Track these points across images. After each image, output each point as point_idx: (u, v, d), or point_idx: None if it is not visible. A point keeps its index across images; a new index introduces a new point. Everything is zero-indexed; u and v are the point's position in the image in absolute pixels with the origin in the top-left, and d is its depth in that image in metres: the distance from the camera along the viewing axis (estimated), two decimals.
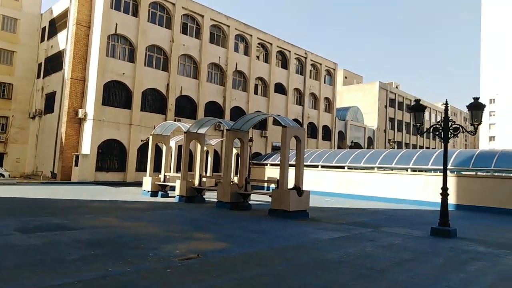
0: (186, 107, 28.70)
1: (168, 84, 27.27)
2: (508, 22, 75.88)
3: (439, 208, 18.48)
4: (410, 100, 59.21)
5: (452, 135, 10.42)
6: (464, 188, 18.61)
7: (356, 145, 46.20)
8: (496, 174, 18.42)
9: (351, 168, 23.29)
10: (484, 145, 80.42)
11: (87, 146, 23.80)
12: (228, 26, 31.40)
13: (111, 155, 24.98)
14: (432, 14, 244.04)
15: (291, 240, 8.40)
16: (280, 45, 36.14)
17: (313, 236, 9.04)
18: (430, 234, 10.07)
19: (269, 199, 12.86)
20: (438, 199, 19.01)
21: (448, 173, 19.70)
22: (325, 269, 5.94)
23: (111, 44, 24.79)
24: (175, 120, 25.30)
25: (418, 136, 61.58)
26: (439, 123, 10.55)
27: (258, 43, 34.29)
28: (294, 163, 13.15)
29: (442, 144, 10.53)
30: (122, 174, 24.98)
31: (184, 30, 28.70)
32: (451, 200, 18.99)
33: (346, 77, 56.96)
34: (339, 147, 43.50)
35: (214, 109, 30.03)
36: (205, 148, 18.94)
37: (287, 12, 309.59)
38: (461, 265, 6.68)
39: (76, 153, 23.93)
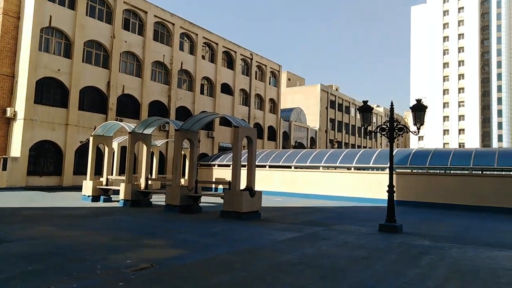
0: (128, 107, 27.34)
1: (109, 82, 25.78)
2: (434, 28, 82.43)
3: (381, 204, 19.51)
4: (349, 102, 62.06)
5: (397, 134, 10.94)
6: (403, 185, 19.72)
7: (299, 145, 47.36)
8: (430, 171, 19.79)
9: (298, 168, 23.73)
10: (414, 144, 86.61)
11: (17, 148, 21.70)
12: (173, 24, 30.49)
13: (45, 158, 23.01)
14: (371, 21, 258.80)
15: (247, 243, 8.22)
16: (226, 45, 35.88)
17: (268, 238, 8.94)
18: (378, 230, 10.45)
19: (219, 200, 12.61)
20: (379, 195, 20.10)
21: (386, 170, 20.95)
22: (287, 273, 5.83)
23: (44, 38, 22.83)
24: (116, 120, 23.97)
25: (356, 136, 64.80)
26: (385, 124, 11.02)
27: (204, 43, 33.74)
28: (244, 163, 13.02)
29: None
30: (58, 178, 23.13)
31: (126, 26, 27.33)
32: (382, 195, 20.18)
33: (289, 79, 58.24)
34: (283, 147, 44.27)
35: (158, 109, 28.96)
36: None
37: (233, 13, 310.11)
38: (413, 260, 6.95)
39: (3, 156, 21.71)
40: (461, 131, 77.47)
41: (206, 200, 17.31)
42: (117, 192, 15.94)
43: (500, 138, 76.01)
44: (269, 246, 7.96)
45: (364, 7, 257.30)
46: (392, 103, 11.10)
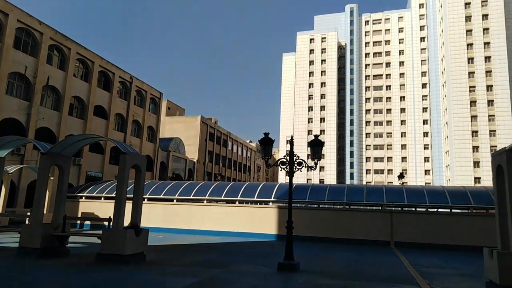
0: None
1: None
2: (301, 75, 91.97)
3: (265, 239, 19.44)
4: (227, 136, 63.39)
5: (296, 169, 10.91)
6: (284, 219, 20.11)
7: (177, 177, 45.59)
8: (309, 205, 20.73)
9: (181, 201, 22.28)
10: (282, 179, 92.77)
11: None
12: (41, 33, 26.50)
13: None
14: (250, 63, 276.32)
15: None
16: (103, 64, 32.86)
17: (164, 287, 7.54)
18: (278, 269, 9.96)
19: (90, 240, 10.53)
20: (263, 230, 20.08)
21: (271, 204, 21.26)
22: None
23: None
24: None
25: (232, 169, 66.09)
26: (285, 157, 10.92)
27: (78, 59, 30.23)
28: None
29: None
30: None
31: None
32: (273, 230, 20.36)
33: (169, 108, 56.68)
34: (160, 178, 41.90)
35: (13, 128, 24.17)
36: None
37: (111, 33, 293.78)
38: None
39: None
40: (321, 168, 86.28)
41: (73, 240, 14.50)
42: None
43: (351, 176, 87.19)
44: None
45: (245, 51, 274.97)
46: (292, 137, 11.12)
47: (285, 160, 10.82)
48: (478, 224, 16.94)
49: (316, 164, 10.77)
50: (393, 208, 18.92)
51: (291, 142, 11.00)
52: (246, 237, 19.34)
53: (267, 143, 10.90)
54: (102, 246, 10.19)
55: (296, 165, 10.80)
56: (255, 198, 21.08)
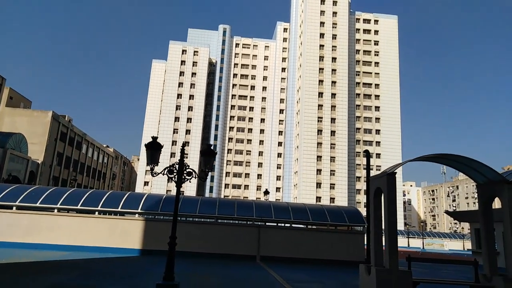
0: None
1: None
2: (171, 85, 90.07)
3: (129, 255, 17.65)
4: (82, 137, 56.89)
5: (185, 179, 10.16)
6: (151, 232, 18.74)
7: (14, 179, 38.32)
8: (182, 219, 19.78)
9: (23, 208, 18.58)
10: (140, 189, 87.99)
11: None
12: None
13: None
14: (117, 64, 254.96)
15: None
16: None
17: None
18: None
19: None
20: (127, 244, 18.26)
21: (137, 216, 19.56)
22: None
23: None
24: None
25: (84, 175, 59.38)
26: (174, 166, 10.08)
27: None
28: None
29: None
30: None
31: None
32: (137, 245, 18.69)
33: (12, 98, 47.70)
34: None
35: None
36: None
37: None
38: None
39: None
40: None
41: None
42: None
43: (211, 189, 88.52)
44: None
45: (112, 52, 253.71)
46: (183, 144, 10.37)
47: (173, 169, 9.97)
48: (334, 239, 18.90)
49: (206, 174, 10.24)
50: (260, 223, 19.59)
51: (182, 150, 10.23)
52: (106, 253, 17.22)
53: (154, 148, 9.89)
54: None
55: (185, 174, 10.04)
56: (119, 209, 19.09)
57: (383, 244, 8.56)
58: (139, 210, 19.10)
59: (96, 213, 18.99)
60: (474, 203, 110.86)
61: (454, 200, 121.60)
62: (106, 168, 70.83)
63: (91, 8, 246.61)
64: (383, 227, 8.59)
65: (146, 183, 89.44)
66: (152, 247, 18.20)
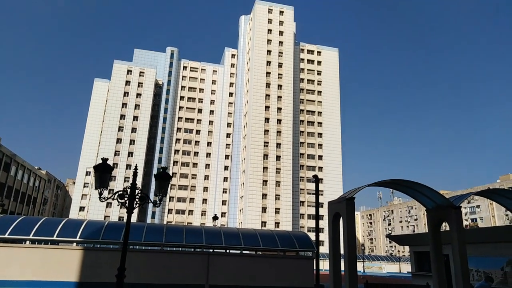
0: None
1: None
2: (114, 105, 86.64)
3: None
4: (11, 158, 52.11)
5: (137, 204, 9.50)
6: (91, 263, 17.26)
7: None
8: (131, 247, 18.49)
9: None
10: (74, 215, 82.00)
11: None
12: None
13: None
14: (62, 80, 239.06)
15: None
16: None
17: None
18: None
19: None
20: (63, 277, 16.60)
21: (74, 245, 17.97)
22: None
23: None
24: None
25: (12, 199, 54.01)
26: (125, 190, 9.42)
27: None
28: None
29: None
30: None
31: None
32: (73, 277, 17.04)
33: None
34: None
35: None
36: None
37: None
38: None
39: None
40: (123, 205, 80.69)
41: None
42: None
43: (153, 214, 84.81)
44: None
45: (52, 69, 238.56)
46: (136, 167, 9.76)
47: (125, 193, 9.30)
48: (285, 265, 18.71)
49: (160, 200, 9.68)
50: (210, 250, 18.93)
51: (134, 173, 9.62)
52: (36, 287, 15.46)
53: (104, 171, 9.18)
54: None
55: (137, 200, 9.41)
56: (54, 237, 17.41)
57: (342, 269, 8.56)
58: (77, 239, 17.58)
59: (28, 242, 17.16)
60: (408, 226, 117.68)
61: (389, 224, 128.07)
62: (37, 192, 65.22)
63: (31, 20, 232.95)
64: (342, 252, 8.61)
65: (81, 209, 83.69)
66: (92, 279, 16.73)
